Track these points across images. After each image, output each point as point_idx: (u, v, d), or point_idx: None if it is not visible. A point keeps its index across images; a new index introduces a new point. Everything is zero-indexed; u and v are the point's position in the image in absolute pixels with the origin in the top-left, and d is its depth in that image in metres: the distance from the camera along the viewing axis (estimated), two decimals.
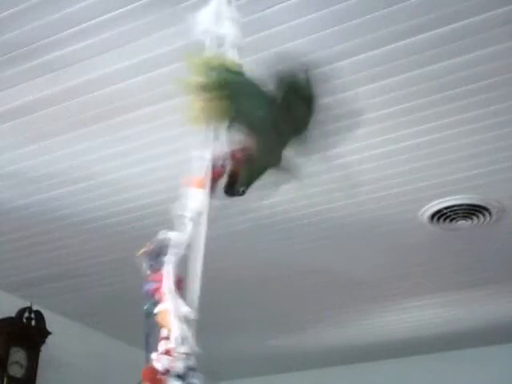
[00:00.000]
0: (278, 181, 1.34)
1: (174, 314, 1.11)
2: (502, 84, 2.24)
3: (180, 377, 1.05)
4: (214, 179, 1.29)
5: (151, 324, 1.15)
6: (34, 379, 3.58)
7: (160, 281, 1.16)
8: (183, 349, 1.07)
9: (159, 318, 1.12)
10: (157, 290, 1.15)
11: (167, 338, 1.10)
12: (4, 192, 2.87)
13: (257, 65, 2.07)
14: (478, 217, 3.03)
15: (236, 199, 1.32)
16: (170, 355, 1.07)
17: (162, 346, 1.09)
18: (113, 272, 3.56)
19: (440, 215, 3.02)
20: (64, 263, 3.48)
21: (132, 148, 2.59)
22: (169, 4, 1.91)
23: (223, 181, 1.31)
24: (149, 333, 1.14)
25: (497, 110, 2.37)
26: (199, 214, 1.23)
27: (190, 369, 1.06)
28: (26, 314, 3.63)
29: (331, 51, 2.11)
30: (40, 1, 1.91)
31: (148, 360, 1.10)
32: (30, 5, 1.92)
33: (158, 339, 1.13)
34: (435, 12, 1.96)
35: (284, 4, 1.92)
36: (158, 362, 1.07)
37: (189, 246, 1.20)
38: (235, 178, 1.30)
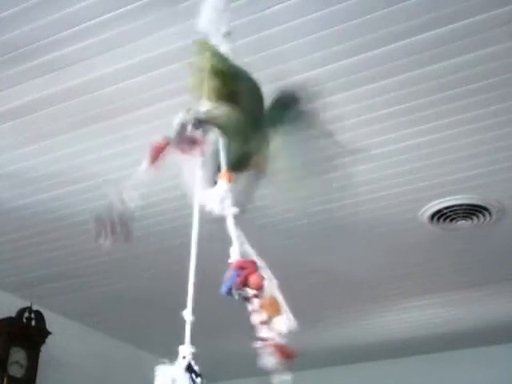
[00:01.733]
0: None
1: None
2: (501, 84, 2.24)
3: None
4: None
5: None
6: (34, 379, 3.58)
7: (248, 267, 1.17)
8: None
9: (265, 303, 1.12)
10: (248, 276, 1.16)
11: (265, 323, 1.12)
12: (4, 192, 2.87)
13: (255, 65, 2.07)
14: (477, 217, 3.03)
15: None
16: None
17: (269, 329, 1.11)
18: (113, 272, 3.56)
19: (440, 215, 3.02)
20: (64, 263, 3.48)
21: (132, 148, 2.58)
22: (169, 4, 1.91)
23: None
24: None
25: (497, 110, 2.37)
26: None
27: None
28: (26, 314, 3.63)
29: (331, 51, 2.11)
30: (40, 1, 1.91)
31: None
32: (30, 5, 1.92)
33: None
34: (435, 12, 1.96)
35: (284, 4, 1.92)
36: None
37: None
38: None
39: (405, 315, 4.21)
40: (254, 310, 1.12)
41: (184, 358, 1.07)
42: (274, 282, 1.14)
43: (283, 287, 4.21)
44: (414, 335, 4.50)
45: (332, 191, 2.89)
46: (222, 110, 1.31)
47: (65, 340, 3.96)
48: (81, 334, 4.22)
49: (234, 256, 1.20)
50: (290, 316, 1.09)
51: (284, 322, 1.08)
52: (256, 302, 1.13)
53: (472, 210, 2.99)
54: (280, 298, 1.11)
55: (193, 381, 1.04)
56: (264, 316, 1.11)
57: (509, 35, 2.04)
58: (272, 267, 3.96)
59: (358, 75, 2.22)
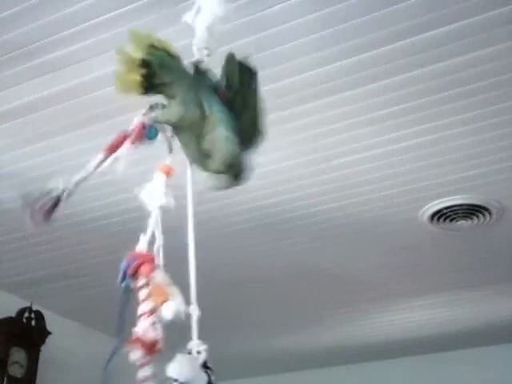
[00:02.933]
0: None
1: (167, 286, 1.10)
2: (502, 84, 2.24)
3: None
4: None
5: (126, 300, 1.14)
6: (34, 379, 3.58)
7: (141, 258, 1.16)
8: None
9: (149, 291, 1.10)
10: (139, 266, 1.15)
11: (152, 312, 1.09)
12: (4, 192, 2.87)
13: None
14: (477, 217, 3.03)
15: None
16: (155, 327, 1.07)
17: (148, 320, 1.08)
18: (113, 272, 3.54)
19: (440, 215, 3.02)
20: (64, 263, 3.48)
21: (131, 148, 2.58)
22: (168, 4, 1.91)
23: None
24: (123, 309, 1.14)
25: (497, 110, 2.37)
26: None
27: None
28: (26, 314, 3.63)
29: (331, 51, 2.11)
30: (40, 1, 1.91)
31: (121, 338, 1.09)
32: (30, 5, 1.92)
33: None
34: (435, 12, 1.96)
35: (284, 4, 1.92)
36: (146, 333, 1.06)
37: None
38: None
39: (405, 315, 4.21)
40: (142, 300, 1.10)
41: (199, 353, 1.06)
42: (166, 275, 1.12)
43: (283, 287, 4.21)
44: (414, 335, 4.51)
45: (332, 191, 2.89)
46: (172, 110, 1.30)
47: (65, 340, 3.96)
48: (81, 334, 4.22)
49: (141, 246, 1.19)
50: (179, 301, 1.06)
51: (169, 308, 1.05)
52: (144, 292, 1.11)
53: (472, 210, 2.99)
54: (170, 286, 1.09)
55: (209, 376, 1.04)
56: (150, 305, 1.08)
57: (509, 35, 2.04)
58: (272, 267, 3.97)
59: (358, 75, 2.22)
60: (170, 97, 1.32)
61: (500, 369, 4.55)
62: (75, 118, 2.42)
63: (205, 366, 1.05)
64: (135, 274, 1.15)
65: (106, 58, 2.14)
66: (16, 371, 3.50)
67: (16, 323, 3.59)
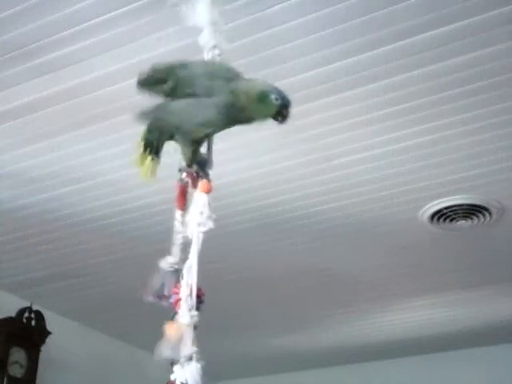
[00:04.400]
0: None
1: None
2: (502, 84, 2.24)
3: None
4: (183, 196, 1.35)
5: None
6: (34, 379, 3.58)
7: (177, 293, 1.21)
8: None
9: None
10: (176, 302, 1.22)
11: None
12: (4, 192, 2.87)
13: (256, 65, 2.07)
14: (477, 217, 3.03)
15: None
16: None
17: None
18: (113, 272, 3.56)
19: (440, 215, 3.02)
20: (64, 263, 3.48)
21: (132, 148, 2.58)
22: (168, 4, 1.91)
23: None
24: None
25: (497, 110, 2.37)
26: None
27: None
28: (26, 314, 3.63)
29: (331, 51, 2.11)
30: (40, 1, 1.91)
31: None
32: (30, 5, 1.92)
33: None
34: (435, 12, 1.96)
35: (284, 4, 1.92)
36: None
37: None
38: None
39: (405, 315, 4.21)
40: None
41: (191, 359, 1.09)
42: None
43: (283, 287, 4.20)
44: (414, 335, 4.50)
45: (332, 191, 2.89)
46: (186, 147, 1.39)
47: (65, 340, 3.96)
48: (81, 334, 4.22)
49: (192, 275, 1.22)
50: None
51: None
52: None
53: (472, 210, 2.99)
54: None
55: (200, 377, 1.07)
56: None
57: (509, 35, 2.04)
58: (272, 267, 3.96)
59: (358, 75, 2.22)
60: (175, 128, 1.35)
61: (500, 369, 4.55)
62: (75, 117, 2.42)
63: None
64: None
65: (106, 58, 2.14)
66: (16, 371, 3.50)
67: (16, 323, 3.59)
